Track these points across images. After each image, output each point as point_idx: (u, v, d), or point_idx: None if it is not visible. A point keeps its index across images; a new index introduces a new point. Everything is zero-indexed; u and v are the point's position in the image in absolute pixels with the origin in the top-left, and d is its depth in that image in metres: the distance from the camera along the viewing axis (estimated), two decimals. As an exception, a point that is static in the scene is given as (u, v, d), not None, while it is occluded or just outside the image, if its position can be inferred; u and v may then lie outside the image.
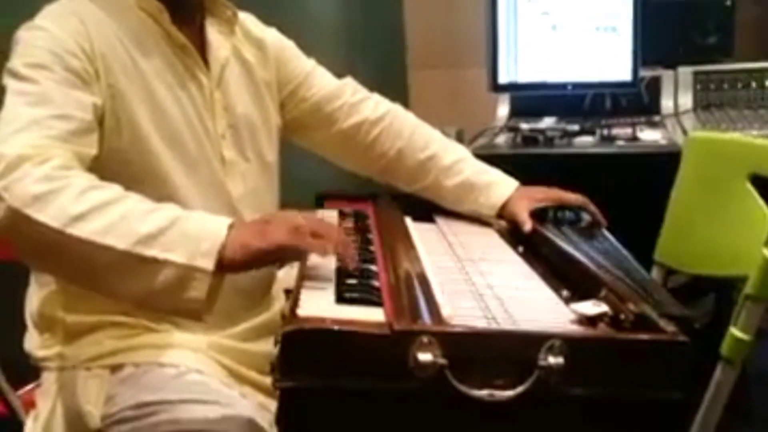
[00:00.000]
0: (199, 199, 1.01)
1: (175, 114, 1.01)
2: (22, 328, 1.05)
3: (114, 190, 0.83)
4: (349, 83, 1.25)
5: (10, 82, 0.90)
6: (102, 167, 0.91)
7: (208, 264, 0.78)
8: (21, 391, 1.15)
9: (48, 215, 0.78)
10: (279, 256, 0.85)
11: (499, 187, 1.20)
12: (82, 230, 0.78)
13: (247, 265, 0.82)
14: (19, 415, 1.07)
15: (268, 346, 0.74)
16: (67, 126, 0.87)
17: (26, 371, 1.07)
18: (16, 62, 0.91)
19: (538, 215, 1.15)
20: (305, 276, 0.89)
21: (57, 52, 0.91)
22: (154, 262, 0.78)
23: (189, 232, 0.80)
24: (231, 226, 0.81)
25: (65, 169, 0.82)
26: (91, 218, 0.79)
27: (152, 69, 1.00)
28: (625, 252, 1.02)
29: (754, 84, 2.02)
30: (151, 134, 0.98)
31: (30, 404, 1.04)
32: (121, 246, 0.78)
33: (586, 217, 1.18)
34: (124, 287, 0.81)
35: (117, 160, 0.94)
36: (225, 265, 0.79)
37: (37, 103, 0.87)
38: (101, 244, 0.78)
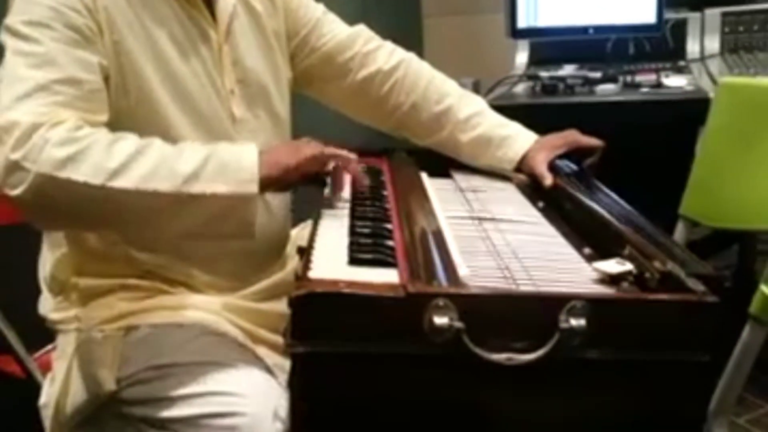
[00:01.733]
0: None
1: (184, 71, 0.97)
2: (37, 291, 1.05)
3: (135, 139, 0.85)
4: (362, 31, 1.20)
5: (9, 41, 0.87)
6: (110, 128, 0.89)
7: (253, 188, 0.85)
8: (37, 354, 1.15)
9: (85, 174, 0.79)
10: (310, 168, 0.92)
11: (517, 140, 1.16)
12: (125, 181, 0.81)
13: (284, 180, 0.90)
14: (36, 378, 1.08)
15: (282, 306, 0.73)
16: (75, 91, 0.85)
17: (43, 334, 1.07)
18: (14, 19, 0.88)
19: (558, 168, 1.11)
20: (318, 235, 0.87)
21: (57, 8, 0.87)
22: (203, 196, 0.83)
23: (227, 163, 0.85)
24: (262, 152, 0.88)
25: (79, 129, 0.82)
26: (130, 168, 0.81)
27: (158, 23, 0.96)
28: (630, 208, 0.98)
29: (785, 25, 1.93)
30: (159, 93, 0.95)
31: (47, 366, 1.05)
32: (167, 188, 0.82)
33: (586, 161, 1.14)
34: (177, 225, 0.86)
35: (125, 120, 0.92)
36: (264, 185, 0.87)
37: (41, 65, 0.84)
38: (148, 190, 0.81)
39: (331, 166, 0.97)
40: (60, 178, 0.78)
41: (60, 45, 0.86)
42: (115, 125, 0.89)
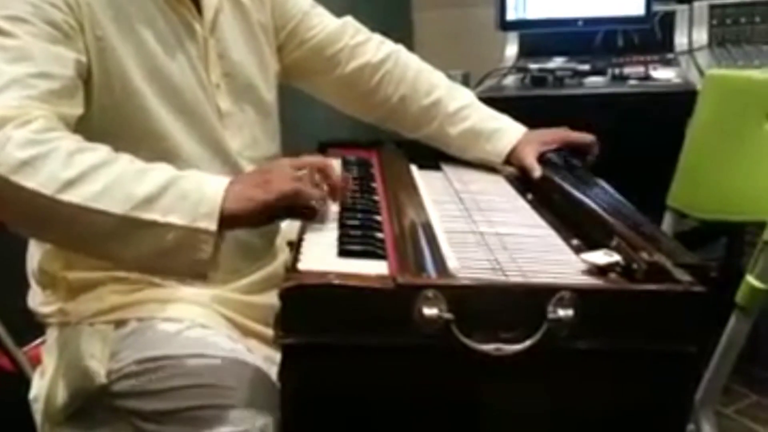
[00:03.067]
0: (197, 153, 0.98)
1: (168, 65, 0.96)
2: (26, 285, 1.05)
3: (102, 151, 0.80)
4: (350, 23, 1.20)
5: None
6: (94, 126, 0.88)
7: (211, 224, 0.77)
8: (27, 348, 1.15)
9: (37, 182, 0.75)
10: (284, 206, 0.82)
11: (506, 133, 1.16)
12: (75, 196, 0.75)
13: (251, 219, 0.80)
14: (26, 372, 1.07)
15: (273, 299, 0.72)
16: (49, 85, 0.82)
17: (32, 328, 1.06)
18: None
19: (547, 161, 1.12)
20: (307, 228, 0.87)
21: (37, 4, 0.86)
22: (155, 225, 0.76)
23: (188, 193, 0.78)
24: (231, 183, 0.80)
25: (48, 131, 0.78)
26: (84, 182, 0.76)
27: (142, 18, 0.95)
28: (623, 199, 0.99)
29: (773, 17, 1.94)
30: (144, 89, 0.94)
31: (36, 360, 1.05)
32: (118, 210, 0.76)
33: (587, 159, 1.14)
34: (123, 252, 0.79)
35: (109, 118, 0.91)
36: (228, 222, 0.78)
37: (16, 60, 0.82)
38: (97, 209, 0.75)
39: (312, 202, 0.84)
40: (12, 182, 0.74)
41: (37, 40, 0.84)
42: (99, 123, 0.88)
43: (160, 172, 0.80)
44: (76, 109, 0.87)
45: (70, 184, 0.75)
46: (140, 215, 0.76)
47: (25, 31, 0.84)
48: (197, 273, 0.80)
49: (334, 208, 0.92)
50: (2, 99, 0.79)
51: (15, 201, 0.76)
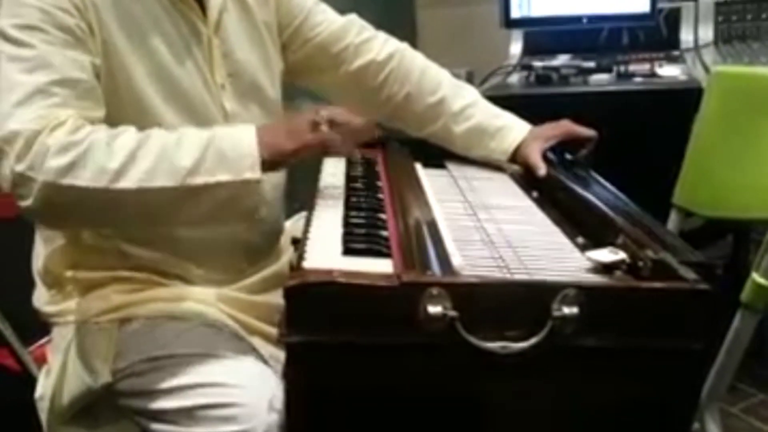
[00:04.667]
0: None
1: (174, 66, 0.97)
2: (32, 284, 1.05)
3: (131, 132, 0.85)
4: (354, 21, 1.20)
5: (1, 46, 0.86)
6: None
7: (256, 174, 0.85)
8: (32, 347, 1.15)
9: (88, 179, 0.80)
10: (307, 154, 0.92)
11: (511, 131, 1.16)
12: (128, 181, 0.81)
13: (283, 164, 0.92)
14: (31, 371, 1.08)
15: (277, 298, 0.72)
16: (71, 91, 0.85)
17: (38, 327, 1.07)
18: (4, 23, 0.87)
19: (552, 160, 1.11)
20: (312, 226, 0.87)
21: (47, 10, 0.86)
22: (207, 186, 0.84)
23: (226, 152, 0.85)
24: (259, 133, 0.87)
25: (79, 130, 0.82)
26: (131, 167, 0.81)
27: (147, 19, 0.95)
28: (623, 196, 0.98)
29: (779, 14, 1.93)
30: (149, 90, 0.94)
31: (42, 359, 1.05)
32: (171, 183, 0.82)
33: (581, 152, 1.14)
34: (182, 216, 0.87)
35: (114, 120, 0.91)
36: (267, 168, 0.87)
37: (35, 69, 0.84)
38: (152, 187, 0.82)
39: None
40: (64, 185, 0.79)
41: (53, 47, 0.85)
42: (105, 125, 0.89)
43: (193, 137, 0.86)
44: (99, 111, 0.89)
45: (119, 173, 0.81)
46: (192, 182, 0.83)
47: (39, 39, 0.85)
48: (250, 216, 0.89)
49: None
50: (28, 111, 0.81)
51: (72, 202, 0.82)
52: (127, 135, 0.84)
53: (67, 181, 0.79)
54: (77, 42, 0.88)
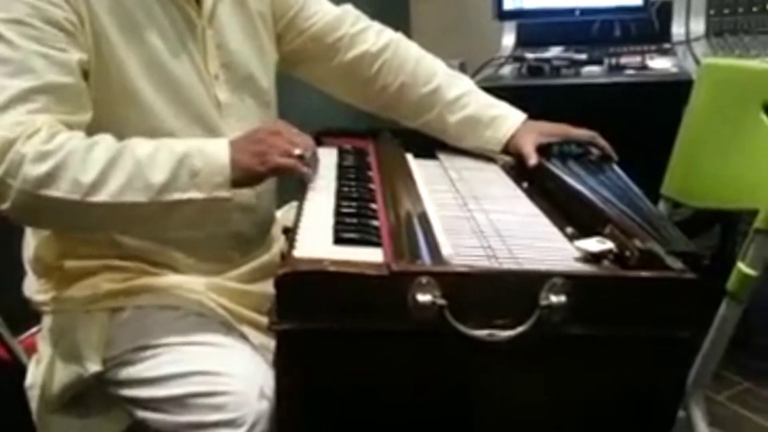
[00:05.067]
0: None
1: (167, 57, 0.96)
2: (22, 273, 1.05)
3: (107, 142, 0.85)
4: (349, 11, 1.19)
5: None
6: (92, 121, 0.88)
7: (226, 192, 0.87)
8: (23, 336, 1.15)
9: (63, 191, 0.81)
10: (276, 175, 0.95)
11: (506, 120, 1.16)
12: (102, 195, 0.82)
13: (252, 183, 0.92)
14: (21, 360, 1.07)
15: (268, 287, 0.73)
16: (51, 97, 0.84)
17: (28, 316, 1.07)
18: None
19: (544, 150, 1.12)
20: (303, 216, 0.87)
21: (36, 5, 0.85)
22: (179, 203, 0.85)
23: (199, 170, 0.86)
24: (232, 148, 0.88)
25: (54, 137, 0.82)
26: (105, 181, 0.82)
27: (139, 10, 0.94)
28: (634, 187, 0.99)
29: (770, 7, 1.94)
30: (142, 81, 0.93)
31: (32, 349, 1.05)
32: (143, 199, 0.83)
33: (594, 152, 1.15)
34: (157, 227, 0.91)
35: (107, 111, 0.91)
36: (236, 185, 0.88)
37: (17, 73, 0.83)
38: (125, 202, 0.83)
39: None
40: (40, 195, 0.80)
41: (38, 46, 0.84)
42: (97, 118, 0.88)
43: (167, 152, 0.86)
44: (81, 115, 0.88)
45: (93, 186, 0.82)
46: (164, 198, 0.84)
47: (26, 35, 0.84)
48: (224, 223, 0.95)
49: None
50: (7, 117, 0.81)
51: (47, 211, 0.83)
52: (103, 146, 0.84)
53: (42, 191, 0.80)
54: (66, 37, 0.86)
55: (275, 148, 0.90)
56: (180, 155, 0.85)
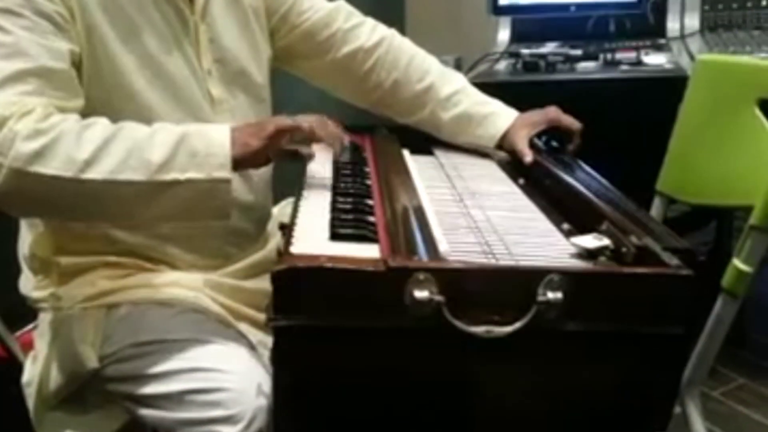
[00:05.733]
0: None
1: (159, 52, 0.96)
2: (18, 270, 1.04)
3: (105, 125, 0.84)
4: (343, 7, 1.19)
5: None
6: (85, 116, 0.87)
7: (226, 172, 0.84)
8: (19, 333, 1.15)
9: (56, 167, 0.79)
10: (276, 143, 0.90)
11: (498, 118, 1.17)
12: (98, 172, 0.80)
13: (255, 160, 0.90)
14: (18, 357, 1.07)
15: (265, 284, 0.73)
16: (45, 81, 0.83)
17: (24, 313, 1.06)
18: None
19: (536, 145, 1.12)
20: (300, 212, 0.87)
21: None
22: (176, 183, 0.83)
23: (198, 150, 0.84)
24: (232, 131, 0.87)
25: (49, 117, 0.81)
26: (101, 158, 0.80)
27: (132, 4, 0.94)
28: (608, 183, 0.99)
29: (764, 2, 1.94)
30: (135, 76, 0.93)
31: (28, 346, 1.05)
32: (140, 177, 0.81)
33: (570, 148, 1.15)
34: (153, 210, 0.85)
35: (99, 107, 0.90)
36: (237, 166, 0.87)
37: (10, 56, 0.83)
38: (121, 180, 0.81)
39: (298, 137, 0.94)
40: (31, 172, 0.78)
41: (30, 34, 0.84)
42: (89, 113, 0.88)
43: (166, 133, 0.85)
44: (74, 101, 0.87)
45: (88, 163, 0.80)
46: (162, 177, 0.82)
47: (17, 24, 0.84)
48: (222, 215, 0.87)
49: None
50: (1, 97, 0.80)
51: (38, 190, 0.80)
52: (99, 126, 0.83)
53: (34, 168, 0.78)
54: (57, 29, 0.86)
55: (269, 123, 0.90)
56: (179, 135, 0.84)
